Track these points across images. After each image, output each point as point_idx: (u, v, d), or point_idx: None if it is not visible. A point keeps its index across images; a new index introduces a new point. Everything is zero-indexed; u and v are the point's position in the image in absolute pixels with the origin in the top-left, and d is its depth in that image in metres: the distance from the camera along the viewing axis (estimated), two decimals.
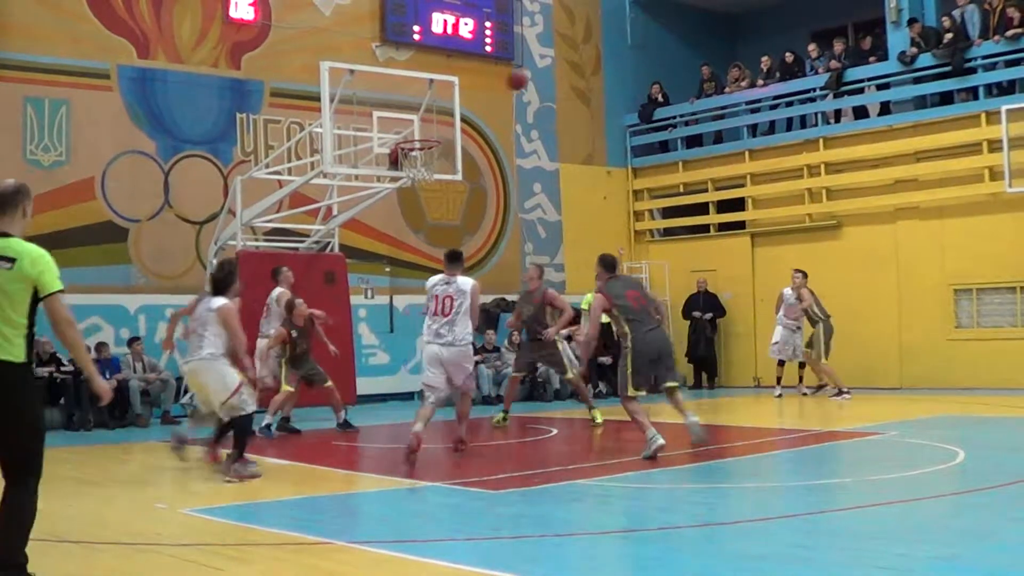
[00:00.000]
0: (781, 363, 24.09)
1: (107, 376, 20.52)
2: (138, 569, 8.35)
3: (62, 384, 20.42)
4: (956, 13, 25.01)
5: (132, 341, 21.27)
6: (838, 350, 23.40)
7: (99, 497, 11.92)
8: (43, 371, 20.24)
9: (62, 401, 20.43)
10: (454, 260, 14.75)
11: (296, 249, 22.46)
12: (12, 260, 7.62)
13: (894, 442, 15.84)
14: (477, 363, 23.55)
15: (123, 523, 10.53)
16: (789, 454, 14.91)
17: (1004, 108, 22.72)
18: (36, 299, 7.49)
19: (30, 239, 7.51)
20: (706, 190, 29.40)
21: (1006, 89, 24.39)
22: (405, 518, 10.28)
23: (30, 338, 7.44)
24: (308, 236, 22.69)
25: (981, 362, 23.78)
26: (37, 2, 22.42)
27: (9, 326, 7.34)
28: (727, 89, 29.31)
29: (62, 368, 20.40)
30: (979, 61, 24.59)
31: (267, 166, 22.63)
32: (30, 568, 7.09)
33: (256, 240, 22.70)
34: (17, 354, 7.33)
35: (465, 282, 14.49)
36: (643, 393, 13.99)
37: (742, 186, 28.57)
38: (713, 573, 7.76)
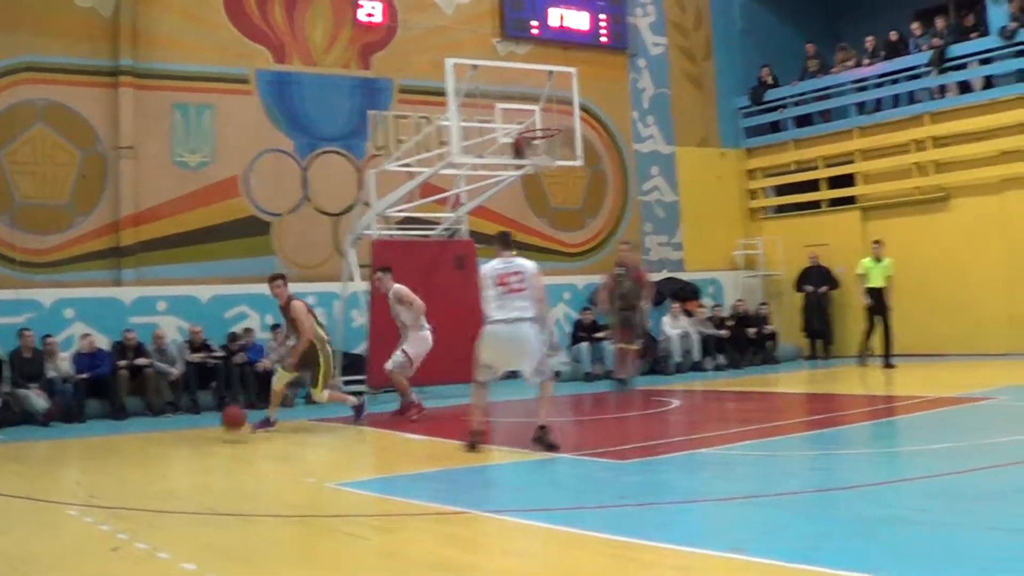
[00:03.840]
0: None
1: (252, 359, 21.00)
2: (290, 538, 8.50)
3: (213, 369, 20.83)
4: None
5: (275, 327, 21.52)
6: (945, 319, 23.05)
7: (252, 473, 12.14)
8: (195, 357, 20.69)
9: (213, 384, 20.84)
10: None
11: (427, 236, 22.61)
12: None
13: (1006, 406, 15.61)
14: (600, 339, 23.74)
15: (275, 496, 10.73)
16: (902, 420, 14.75)
17: None
18: None
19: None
20: (817, 167, 29.11)
21: None
22: (537, 488, 10.33)
23: None
24: (439, 224, 22.82)
25: None
26: (181, 15, 22.98)
27: None
28: (833, 69, 28.96)
29: (213, 353, 20.82)
30: None
31: (398, 159, 22.80)
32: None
33: (390, 229, 22.86)
34: None
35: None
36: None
37: (851, 162, 28.23)
38: (833, 536, 7.70)
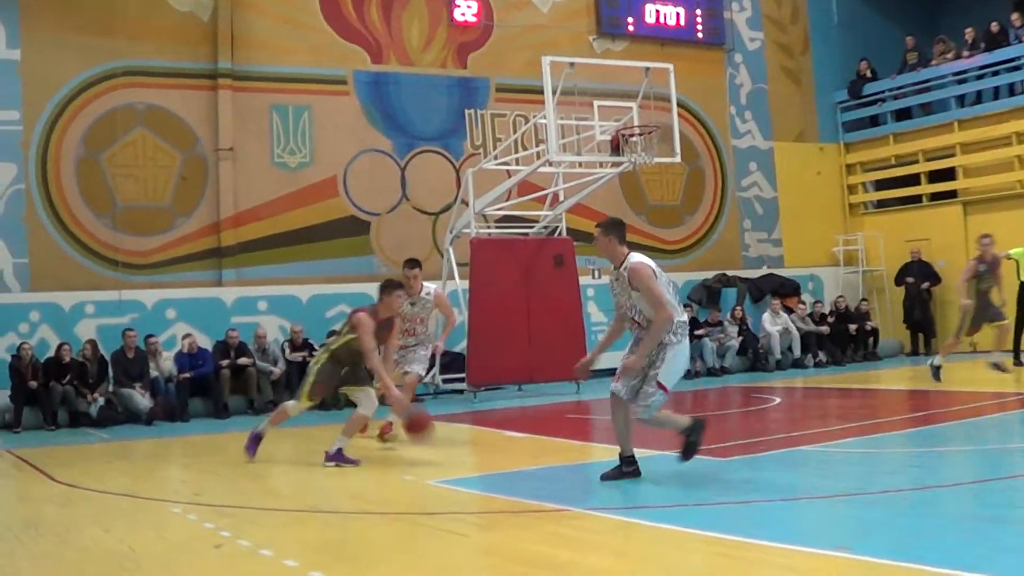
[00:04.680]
0: None
1: None
2: (391, 536, 8.50)
3: None
4: None
5: None
6: None
7: (352, 471, 12.17)
8: (296, 356, 20.85)
9: None
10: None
11: (526, 234, 22.60)
12: None
13: None
14: (700, 336, 23.65)
15: (375, 494, 10.76)
16: (1007, 417, 14.46)
17: None
18: None
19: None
20: (917, 161, 28.71)
21: None
22: (637, 485, 10.23)
23: None
24: (537, 222, 22.80)
25: None
26: (278, 18, 23.19)
27: None
28: (933, 62, 28.57)
29: (314, 352, 20.95)
30: None
31: (495, 158, 22.82)
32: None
33: (488, 227, 22.91)
34: None
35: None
36: None
37: (952, 156, 27.84)
38: (936, 534, 7.58)
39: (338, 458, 12.44)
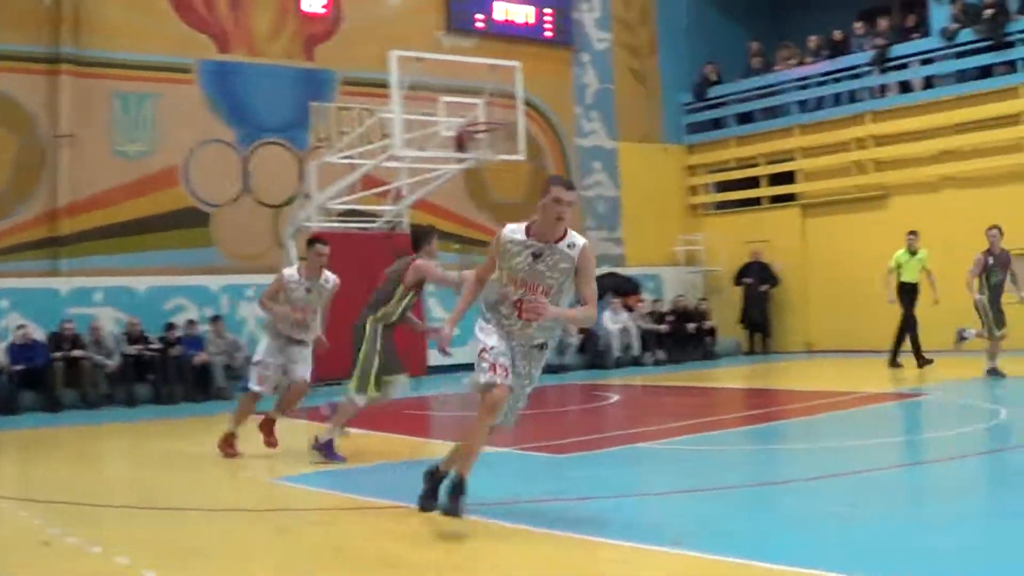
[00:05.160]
0: None
1: (192, 352, 20.81)
2: (225, 533, 8.43)
3: (150, 361, 20.65)
4: None
5: (214, 319, 21.44)
6: (884, 316, 22.85)
7: (188, 467, 12.04)
8: (132, 349, 20.54)
9: (150, 377, 20.65)
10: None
11: (367, 229, 22.53)
12: None
13: (938, 402, 15.77)
14: None
15: (211, 491, 10.65)
16: (839, 415, 14.79)
17: None
18: None
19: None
20: (758, 164, 29.25)
21: None
22: (473, 482, 10.27)
23: None
24: (380, 216, 22.74)
25: None
26: (123, 3, 22.76)
27: None
28: (776, 67, 29.11)
29: (150, 346, 20.67)
30: (1018, 35, 24.22)
31: (340, 151, 22.72)
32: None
33: (330, 221, 22.78)
34: None
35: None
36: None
37: (792, 160, 28.39)
38: (769, 530, 7.74)
39: (326, 449, 11.80)
